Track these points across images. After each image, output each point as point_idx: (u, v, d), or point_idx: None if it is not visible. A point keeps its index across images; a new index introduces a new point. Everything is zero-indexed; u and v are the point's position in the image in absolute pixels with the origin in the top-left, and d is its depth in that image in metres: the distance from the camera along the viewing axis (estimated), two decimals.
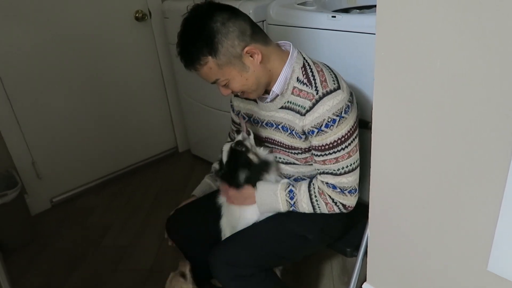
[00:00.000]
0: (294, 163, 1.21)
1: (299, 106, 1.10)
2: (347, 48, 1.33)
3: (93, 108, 2.24)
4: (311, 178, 1.23)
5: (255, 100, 1.22)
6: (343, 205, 1.14)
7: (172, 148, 2.68)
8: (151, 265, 1.73)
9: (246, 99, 1.24)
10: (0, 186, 1.88)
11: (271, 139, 1.21)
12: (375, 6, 0.90)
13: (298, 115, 1.10)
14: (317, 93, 1.06)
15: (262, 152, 1.20)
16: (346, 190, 1.12)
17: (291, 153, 1.19)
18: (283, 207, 1.16)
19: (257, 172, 1.18)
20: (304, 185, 1.16)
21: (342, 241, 1.33)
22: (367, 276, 1.31)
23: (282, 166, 1.24)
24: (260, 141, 1.25)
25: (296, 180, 1.24)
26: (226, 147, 1.20)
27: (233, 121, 1.37)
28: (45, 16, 1.95)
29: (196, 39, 1.03)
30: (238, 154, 1.16)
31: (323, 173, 1.13)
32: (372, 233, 1.23)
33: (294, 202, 1.15)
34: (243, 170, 1.16)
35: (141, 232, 1.94)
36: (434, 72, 0.85)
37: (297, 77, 1.11)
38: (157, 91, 2.49)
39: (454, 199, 0.96)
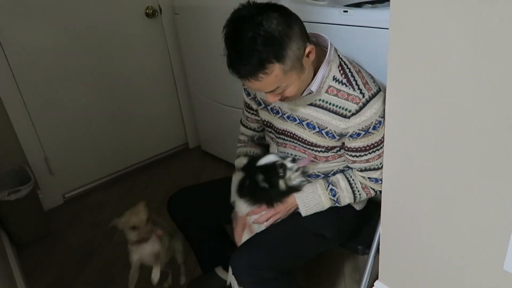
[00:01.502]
0: (311, 160, 1.20)
1: (338, 107, 1.07)
2: (359, 43, 1.31)
3: (104, 105, 2.26)
4: (326, 175, 1.22)
5: None
6: (379, 191, 1.18)
7: (182, 145, 2.69)
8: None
9: None
10: (14, 181, 1.91)
11: (291, 133, 1.18)
12: (387, 0, 0.88)
13: (339, 117, 1.07)
14: (363, 96, 1.04)
15: (294, 182, 1.18)
16: (381, 179, 1.15)
17: (312, 150, 1.16)
18: (327, 204, 1.18)
19: (274, 194, 1.17)
20: (343, 181, 1.18)
21: (354, 239, 1.32)
22: (379, 274, 1.30)
23: None
24: (276, 133, 1.23)
25: (310, 176, 1.23)
26: (270, 158, 1.16)
27: (248, 107, 1.30)
28: (56, 14, 1.97)
29: (260, 45, 0.90)
30: (272, 172, 1.14)
31: (365, 170, 1.14)
32: (384, 231, 1.22)
33: (337, 199, 1.18)
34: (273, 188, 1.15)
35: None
36: (450, 66, 0.84)
37: (334, 76, 1.07)
38: (167, 88, 2.50)
39: (470, 198, 0.94)
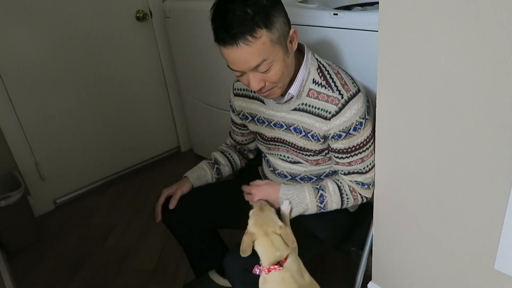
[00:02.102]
0: (303, 163, 1.21)
1: (320, 109, 1.08)
2: (349, 45, 1.32)
3: (95, 109, 2.24)
4: (327, 176, 1.22)
5: (260, 101, 1.20)
6: (366, 198, 1.18)
7: (174, 148, 2.68)
8: (155, 265, 1.73)
9: (253, 98, 1.21)
10: (4, 188, 1.88)
11: (280, 139, 1.20)
12: (377, 3, 0.89)
13: (320, 119, 1.08)
14: (342, 97, 1.05)
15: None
16: (370, 184, 1.15)
17: (303, 154, 1.18)
18: (311, 211, 1.17)
19: None
20: (331, 185, 1.16)
21: (347, 241, 1.32)
22: (372, 275, 1.30)
23: (289, 165, 1.24)
24: (266, 141, 1.24)
25: (302, 179, 1.24)
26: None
27: (234, 122, 1.36)
28: (46, 16, 1.95)
29: (250, 10, 0.93)
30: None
31: (350, 173, 1.14)
32: (377, 232, 1.22)
33: (324, 205, 1.16)
34: None
35: (145, 233, 1.94)
36: (439, 68, 0.84)
37: (313, 79, 1.09)
38: (159, 91, 2.49)
39: (460, 198, 0.95)
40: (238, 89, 1.26)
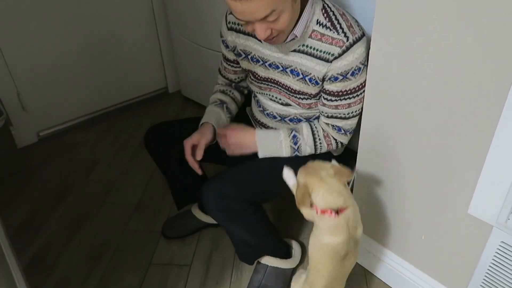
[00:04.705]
0: (294, 105, 1.19)
1: (322, 52, 1.04)
2: None
3: (80, 42, 2.15)
4: (308, 119, 1.21)
5: (256, 38, 1.12)
6: (341, 143, 1.19)
7: (162, 88, 2.63)
8: (138, 200, 1.75)
9: (248, 34, 1.15)
10: None
11: (274, 80, 1.16)
12: None
13: (322, 61, 1.05)
14: (347, 40, 1.01)
15: None
16: (348, 131, 1.16)
17: (296, 97, 1.15)
18: (286, 153, 1.17)
19: None
20: (306, 129, 1.16)
21: None
22: None
23: (280, 106, 1.22)
24: (258, 80, 1.20)
25: (291, 120, 1.23)
26: None
27: (227, 59, 1.30)
28: None
29: None
30: None
31: (332, 117, 1.13)
32: (359, 177, 1.25)
33: (298, 147, 1.16)
34: None
35: (129, 169, 1.95)
36: (435, 14, 0.82)
37: (317, 20, 1.04)
38: (147, 27, 2.38)
39: (442, 143, 0.96)
40: (232, 23, 1.19)
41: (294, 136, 1.15)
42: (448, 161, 0.98)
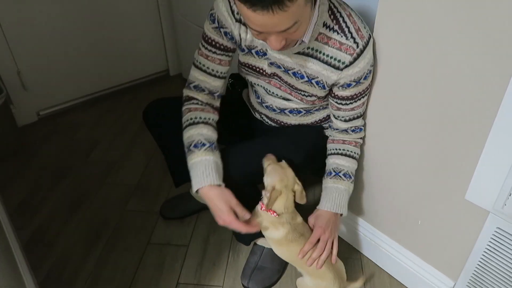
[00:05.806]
0: (294, 101, 1.16)
1: (330, 57, 1.00)
2: None
3: (82, 22, 2.13)
4: (317, 111, 1.20)
5: None
6: (361, 139, 1.20)
7: (163, 71, 2.62)
8: (137, 181, 1.76)
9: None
10: None
11: (277, 75, 1.11)
12: None
13: (330, 68, 1.01)
14: (357, 46, 0.97)
15: None
16: (363, 125, 1.17)
17: (299, 93, 1.11)
18: (351, 189, 1.17)
19: None
20: (338, 160, 1.16)
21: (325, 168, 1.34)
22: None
23: (280, 100, 1.18)
24: (260, 73, 1.14)
25: (291, 112, 1.20)
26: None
27: (218, 47, 1.10)
28: None
29: None
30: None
31: (350, 120, 1.13)
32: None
33: (351, 176, 1.16)
34: None
35: (129, 150, 1.95)
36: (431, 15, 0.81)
37: (324, 22, 0.98)
38: (149, 9, 2.37)
39: (441, 129, 0.96)
40: (240, 14, 0.99)
41: (344, 175, 1.15)
42: (446, 147, 0.98)
